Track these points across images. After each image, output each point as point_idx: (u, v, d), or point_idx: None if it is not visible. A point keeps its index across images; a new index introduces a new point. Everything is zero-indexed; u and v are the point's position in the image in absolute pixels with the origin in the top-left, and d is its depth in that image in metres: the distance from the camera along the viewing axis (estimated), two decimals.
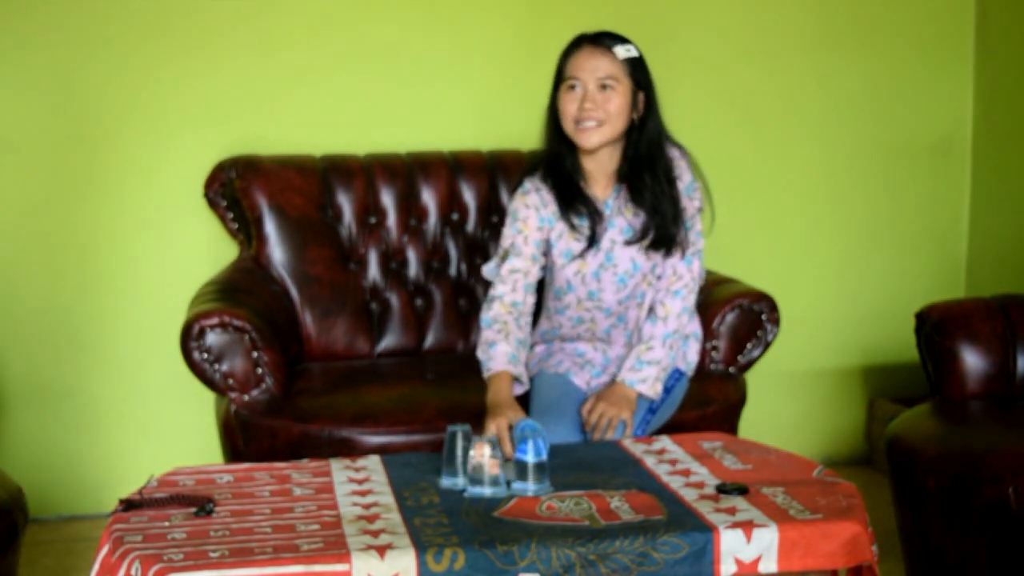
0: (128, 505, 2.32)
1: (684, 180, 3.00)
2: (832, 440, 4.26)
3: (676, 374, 3.08)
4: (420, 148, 3.79)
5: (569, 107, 2.90)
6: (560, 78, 2.93)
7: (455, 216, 3.71)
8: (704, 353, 3.32)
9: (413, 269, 3.68)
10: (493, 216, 3.68)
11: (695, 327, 3.18)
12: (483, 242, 3.70)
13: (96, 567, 2.21)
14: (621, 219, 2.98)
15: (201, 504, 2.31)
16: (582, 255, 2.98)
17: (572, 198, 2.96)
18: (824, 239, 4.23)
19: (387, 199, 3.67)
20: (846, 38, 4.16)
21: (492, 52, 3.92)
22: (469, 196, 3.71)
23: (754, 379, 3.72)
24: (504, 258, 3.00)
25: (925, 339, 3.11)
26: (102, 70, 3.70)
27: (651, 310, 3.01)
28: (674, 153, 3.00)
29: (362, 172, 3.67)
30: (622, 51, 2.90)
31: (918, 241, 4.29)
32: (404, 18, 3.87)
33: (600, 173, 2.98)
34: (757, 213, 4.16)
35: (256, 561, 2.06)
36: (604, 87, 2.88)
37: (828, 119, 4.18)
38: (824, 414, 4.26)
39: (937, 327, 3.06)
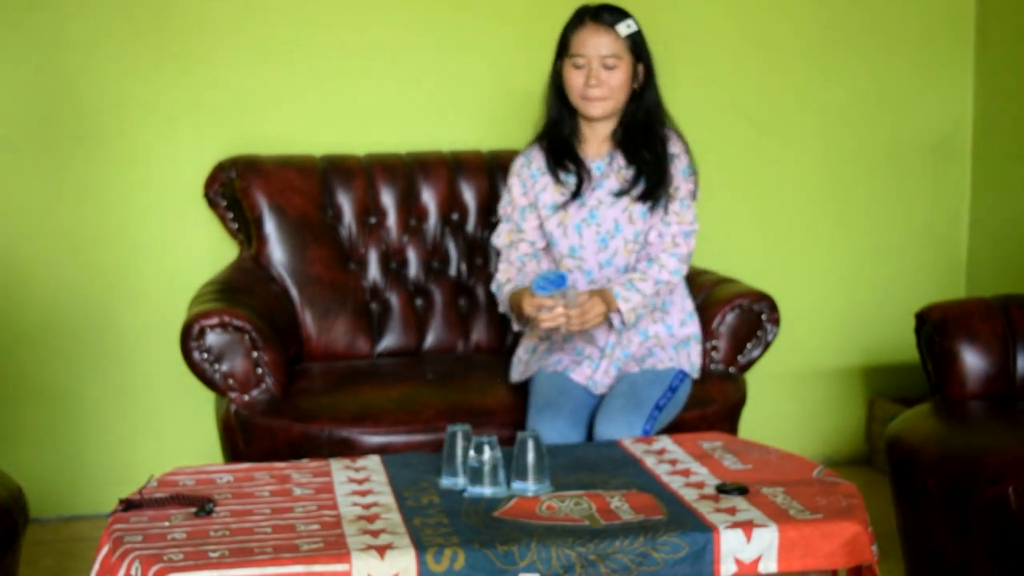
0: (128, 505, 2.33)
1: (683, 161, 3.09)
2: (832, 440, 4.26)
3: (680, 375, 3.08)
4: (420, 148, 3.79)
5: (575, 81, 3.05)
6: (564, 50, 3.07)
7: (455, 216, 3.71)
8: (704, 353, 3.32)
9: (413, 269, 3.68)
10: (493, 216, 3.68)
11: (694, 329, 3.18)
12: (483, 242, 3.70)
13: (96, 567, 2.21)
14: (611, 182, 3.08)
15: (201, 504, 2.31)
16: (565, 206, 3.08)
17: (563, 156, 3.10)
18: (824, 239, 4.23)
19: (387, 199, 3.67)
20: (846, 38, 4.16)
21: (492, 52, 3.92)
22: (469, 196, 3.71)
23: (754, 379, 3.72)
24: (496, 225, 3.22)
25: (925, 339, 3.11)
26: (102, 70, 3.70)
27: (646, 257, 3.06)
28: (672, 134, 3.12)
29: (362, 172, 3.67)
30: (623, 28, 3.03)
31: (918, 241, 4.29)
32: (404, 18, 3.87)
33: (595, 137, 3.12)
34: (757, 213, 4.16)
35: (256, 561, 2.06)
36: (607, 65, 3.02)
37: (828, 119, 4.18)
38: (824, 414, 4.26)
39: (937, 327, 3.06)
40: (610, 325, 3.04)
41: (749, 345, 3.34)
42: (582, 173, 3.09)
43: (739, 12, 4.09)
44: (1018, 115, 4.08)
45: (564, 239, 3.10)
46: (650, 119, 3.09)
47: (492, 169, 3.72)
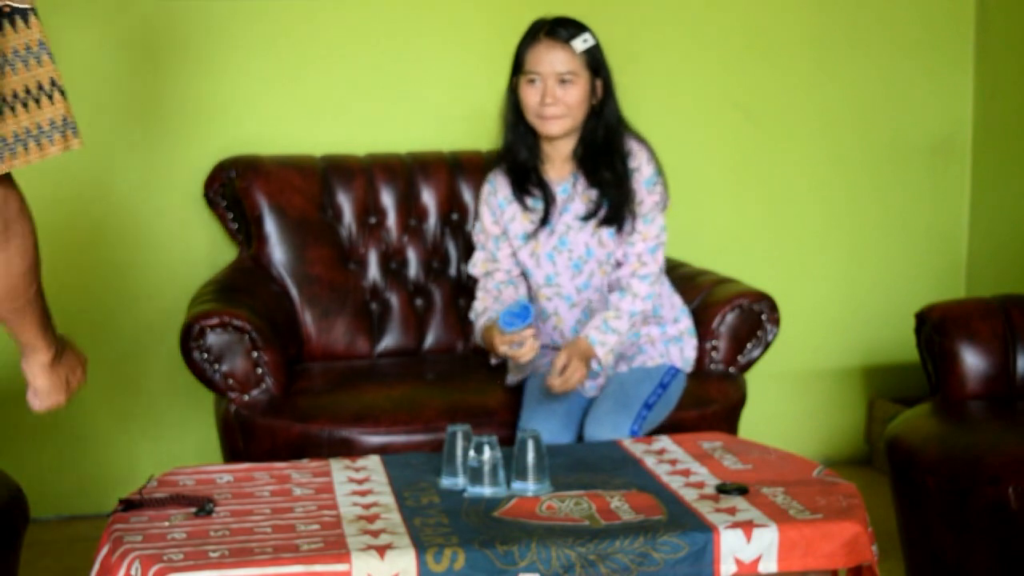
0: (128, 505, 2.33)
1: (644, 173, 2.99)
2: (832, 440, 4.26)
3: (672, 370, 3.07)
4: (420, 148, 3.80)
5: (531, 100, 2.97)
6: (519, 67, 2.99)
7: (455, 216, 3.71)
8: (704, 353, 3.32)
9: (413, 269, 3.68)
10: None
11: (688, 324, 3.17)
12: None
13: (96, 567, 2.21)
14: (577, 205, 3.02)
15: (201, 504, 2.31)
16: (535, 235, 3.04)
17: (526, 181, 3.04)
18: (824, 239, 4.23)
19: (387, 199, 3.67)
20: (846, 38, 4.16)
21: (492, 53, 3.91)
22: (469, 196, 3.71)
23: (754, 379, 3.72)
24: (473, 252, 3.15)
25: (925, 339, 3.11)
26: (101, 70, 3.70)
27: (618, 286, 3.00)
28: (633, 145, 3.02)
29: (362, 172, 3.67)
30: (579, 43, 2.94)
31: (918, 241, 4.29)
32: (405, 19, 3.88)
33: (557, 156, 3.05)
34: (757, 213, 4.16)
35: (256, 561, 2.06)
36: (563, 81, 2.94)
37: (828, 119, 4.18)
38: (824, 414, 4.26)
39: (937, 327, 3.05)
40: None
41: (749, 345, 3.34)
42: (548, 197, 3.02)
43: (739, 12, 4.08)
44: (1018, 115, 4.08)
45: (538, 269, 3.06)
46: (610, 135, 3.00)
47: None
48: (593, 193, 3.00)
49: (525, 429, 2.46)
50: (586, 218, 3.00)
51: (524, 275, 3.12)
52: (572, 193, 3.03)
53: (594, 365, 2.96)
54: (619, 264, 3.02)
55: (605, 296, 3.05)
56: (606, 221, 2.99)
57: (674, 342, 3.13)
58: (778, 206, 4.18)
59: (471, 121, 3.91)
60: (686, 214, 3.96)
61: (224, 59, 3.77)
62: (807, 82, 4.16)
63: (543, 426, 2.86)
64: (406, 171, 3.70)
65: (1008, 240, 4.12)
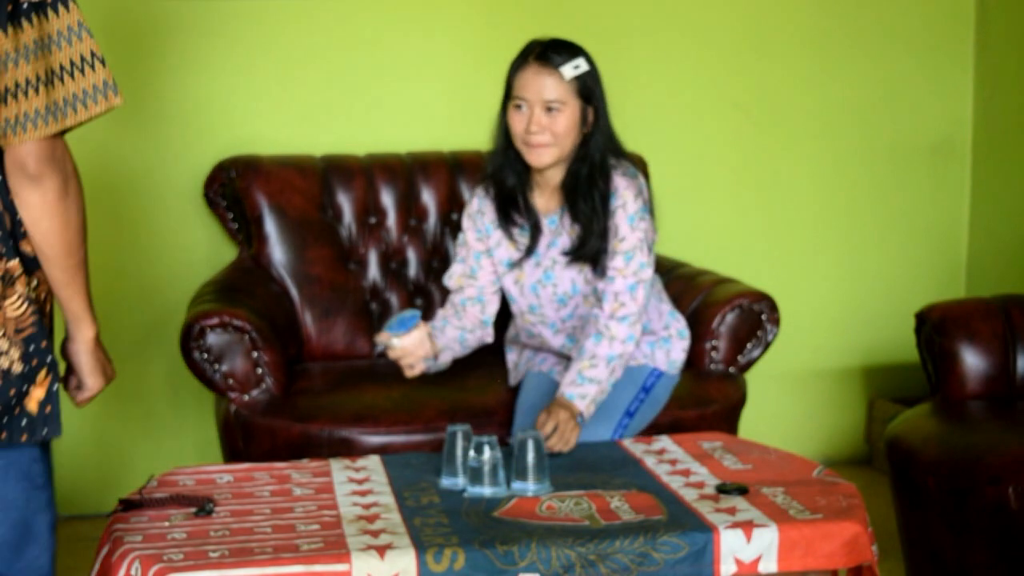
0: (128, 505, 2.33)
1: (629, 209, 2.84)
2: (832, 440, 4.26)
3: (655, 373, 3.03)
4: (420, 148, 3.79)
5: (517, 126, 2.83)
6: (508, 92, 2.85)
7: (455, 216, 3.71)
8: (704, 353, 3.32)
9: (413, 269, 3.68)
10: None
11: (678, 326, 3.11)
12: None
13: (96, 567, 2.22)
14: (565, 239, 2.91)
15: (201, 504, 2.31)
16: (520, 264, 2.95)
17: (513, 208, 2.93)
18: (824, 239, 4.23)
19: (387, 199, 3.67)
20: (846, 39, 4.16)
21: (492, 53, 3.91)
22: (469, 196, 3.70)
23: (754, 379, 3.72)
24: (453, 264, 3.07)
25: (925, 339, 3.11)
26: None
27: (595, 328, 2.86)
28: (619, 182, 2.85)
29: (362, 172, 3.67)
30: (569, 70, 2.79)
31: (918, 241, 4.29)
32: (405, 19, 3.87)
33: (546, 185, 2.92)
34: (757, 213, 4.16)
35: (256, 561, 2.06)
36: (550, 109, 2.79)
37: (828, 120, 4.18)
38: (824, 414, 4.26)
39: (937, 327, 3.06)
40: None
41: (749, 345, 3.34)
42: (535, 227, 2.91)
43: (739, 12, 4.08)
44: (1018, 115, 4.08)
45: (522, 297, 2.98)
46: (593, 171, 2.84)
47: None
48: (576, 228, 2.88)
49: (524, 431, 2.46)
50: (566, 254, 2.89)
51: (506, 298, 3.04)
52: (559, 227, 2.91)
53: (578, 419, 2.78)
54: (596, 304, 2.89)
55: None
56: (583, 259, 2.88)
57: (660, 344, 3.05)
58: (778, 206, 4.18)
59: (471, 121, 3.90)
60: (686, 214, 3.97)
61: (224, 59, 3.77)
62: (807, 82, 4.16)
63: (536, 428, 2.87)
64: (406, 171, 3.70)
65: (1008, 240, 4.12)
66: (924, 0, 4.20)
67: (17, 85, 1.72)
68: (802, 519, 2.24)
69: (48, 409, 1.82)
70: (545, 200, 2.93)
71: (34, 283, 1.85)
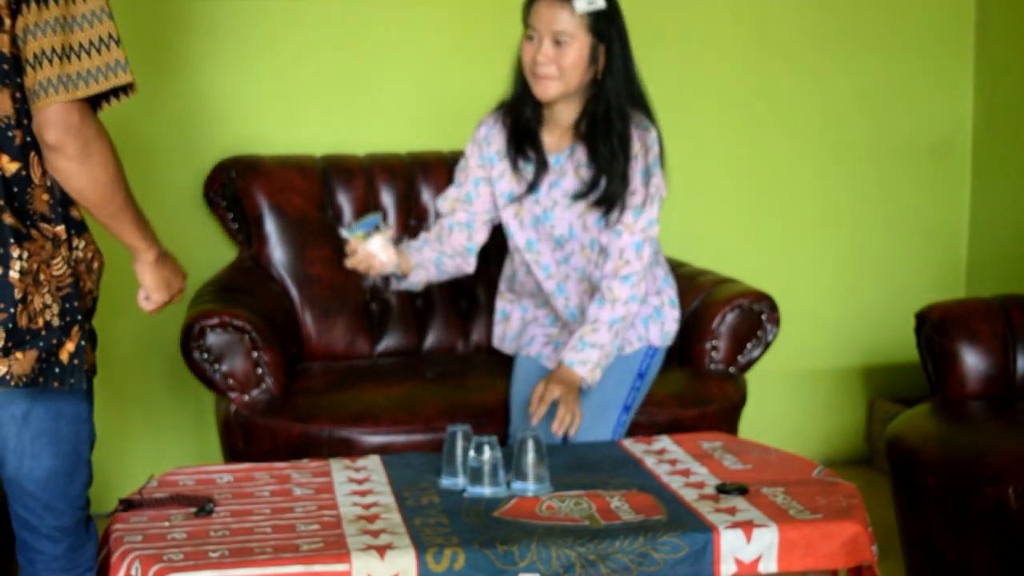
0: (128, 505, 2.33)
1: (641, 163, 2.85)
2: (832, 440, 4.26)
3: (649, 353, 3.01)
4: (420, 148, 3.79)
5: (526, 56, 2.85)
6: (524, 22, 2.88)
7: None
8: (704, 353, 3.32)
9: None
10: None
11: (670, 293, 3.08)
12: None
13: (96, 567, 2.22)
14: (569, 180, 2.90)
15: (201, 504, 2.31)
16: (520, 199, 2.94)
17: (522, 141, 2.93)
18: (824, 239, 4.23)
19: (387, 199, 3.67)
20: (846, 38, 4.16)
21: (492, 53, 3.91)
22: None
23: (754, 379, 3.72)
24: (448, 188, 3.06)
25: (925, 339, 3.11)
26: None
27: (598, 291, 2.87)
28: (633, 132, 2.86)
29: (362, 172, 3.67)
30: (582, 4, 2.77)
31: (918, 241, 4.29)
32: (405, 19, 3.87)
33: (555, 124, 2.92)
34: (757, 213, 4.16)
35: (256, 561, 2.06)
36: (558, 42, 2.79)
37: (829, 119, 4.18)
38: (824, 414, 4.26)
39: (937, 327, 3.06)
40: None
41: (749, 345, 3.34)
42: (540, 164, 2.90)
43: (739, 11, 4.08)
44: (1018, 115, 4.08)
45: (520, 232, 2.95)
46: (610, 112, 2.82)
47: None
48: (588, 172, 2.87)
49: (523, 430, 2.46)
50: (576, 196, 2.87)
51: (490, 221, 3.01)
52: (566, 166, 2.90)
53: (583, 385, 2.81)
54: (601, 262, 2.88)
55: (588, 279, 2.94)
56: (596, 204, 2.85)
57: (654, 317, 3.02)
58: (778, 206, 4.18)
59: (472, 121, 3.89)
60: (686, 214, 3.96)
61: (224, 59, 3.77)
62: (807, 82, 4.15)
63: (533, 426, 2.88)
64: (406, 171, 3.70)
65: (1008, 240, 4.12)
66: (924, 0, 4.20)
67: (35, 56, 1.88)
68: (802, 519, 2.24)
69: (76, 361, 2.02)
70: (555, 139, 2.93)
71: (81, 244, 2.07)
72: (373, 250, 2.76)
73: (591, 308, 2.85)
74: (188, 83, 3.75)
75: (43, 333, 1.97)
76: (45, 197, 1.99)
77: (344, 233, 2.76)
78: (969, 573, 2.69)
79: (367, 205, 3.65)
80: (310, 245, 3.58)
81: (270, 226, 3.57)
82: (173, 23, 3.73)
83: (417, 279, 2.95)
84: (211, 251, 3.78)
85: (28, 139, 1.97)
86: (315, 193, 3.62)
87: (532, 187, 2.92)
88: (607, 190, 2.84)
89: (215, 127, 3.77)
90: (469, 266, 3.04)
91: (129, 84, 2.01)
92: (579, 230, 2.91)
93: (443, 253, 2.98)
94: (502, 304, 3.19)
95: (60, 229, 2.01)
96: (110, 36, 1.95)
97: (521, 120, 2.92)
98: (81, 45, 1.91)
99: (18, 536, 2.16)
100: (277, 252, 3.57)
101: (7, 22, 1.90)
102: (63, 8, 1.90)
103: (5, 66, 1.92)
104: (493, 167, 2.97)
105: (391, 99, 3.88)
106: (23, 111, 1.95)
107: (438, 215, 3.09)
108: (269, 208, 3.57)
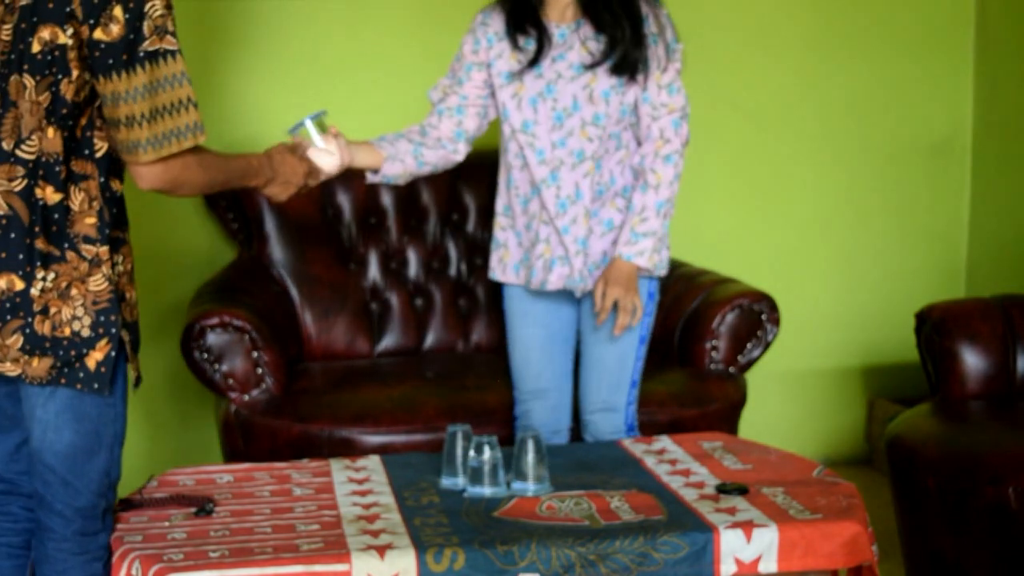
0: (128, 505, 2.33)
1: (667, 37, 2.86)
2: (832, 440, 4.25)
3: (651, 294, 2.96)
4: None
5: None
6: None
7: (455, 216, 3.71)
8: (704, 353, 3.32)
9: (413, 269, 3.68)
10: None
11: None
12: (483, 242, 3.69)
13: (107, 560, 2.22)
14: (575, 53, 2.86)
15: (201, 504, 2.31)
16: (520, 76, 2.89)
17: (523, 18, 2.89)
18: (824, 239, 4.22)
19: (387, 199, 3.67)
20: (845, 38, 4.16)
21: None
22: (469, 196, 3.71)
23: (754, 379, 3.72)
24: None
25: (925, 339, 3.11)
26: None
27: (640, 177, 2.87)
28: (645, 9, 2.85)
29: (362, 172, 3.66)
30: None
31: (918, 241, 4.29)
32: (405, 19, 3.87)
33: (556, 1, 2.88)
34: (757, 213, 4.16)
35: (256, 561, 2.06)
36: None
37: (828, 119, 4.18)
38: (824, 414, 4.26)
39: (937, 327, 3.05)
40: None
41: (749, 345, 3.34)
42: (543, 39, 2.85)
43: (739, 11, 4.08)
44: (1018, 115, 4.08)
45: (517, 112, 2.88)
46: None
47: (492, 169, 3.71)
48: (597, 44, 2.83)
49: (526, 428, 2.46)
50: (590, 67, 2.83)
51: (485, 111, 2.97)
52: (571, 40, 2.85)
53: (645, 268, 2.83)
54: (639, 147, 2.87)
55: (581, 165, 2.87)
56: (616, 71, 2.82)
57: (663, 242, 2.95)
58: (778, 206, 4.18)
59: None
60: (686, 214, 3.95)
61: (224, 59, 3.77)
62: (807, 82, 4.15)
63: (539, 414, 2.91)
64: None
65: (1008, 240, 4.11)
66: (924, 1, 4.20)
67: (127, 118, 2.07)
68: (802, 519, 2.24)
69: (103, 370, 2.15)
70: (559, 12, 2.89)
71: (120, 259, 2.20)
72: (316, 149, 2.67)
73: (635, 196, 2.87)
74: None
75: (65, 343, 2.10)
76: (91, 221, 2.13)
77: (298, 129, 2.70)
78: (969, 573, 2.69)
79: (367, 205, 3.65)
80: (310, 245, 3.58)
81: (270, 226, 3.57)
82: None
83: (393, 171, 2.92)
84: (211, 251, 3.78)
85: (72, 171, 2.13)
86: (315, 193, 3.61)
87: (534, 61, 2.87)
88: (629, 56, 2.82)
89: (215, 127, 3.76)
90: (459, 155, 3.00)
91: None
92: (583, 102, 2.86)
93: (423, 144, 2.96)
94: (497, 232, 3.08)
95: (103, 250, 2.14)
96: (189, 99, 2.11)
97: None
98: (165, 107, 2.09)
99: (36, 520, 2.21)
100: (277, 252, 3.57)
101: (75, 72, 2.07)
102: (150, 74, 2.08)
103: (64, 111, 2.08)
104: (491, 48, 2.92)
105: (391, 99, 3.88)
106: (71, 149, 2.11)
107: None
108: (269, 208, 3.57)
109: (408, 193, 3.68)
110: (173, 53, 2.12)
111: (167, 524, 2.24)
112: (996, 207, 4.19)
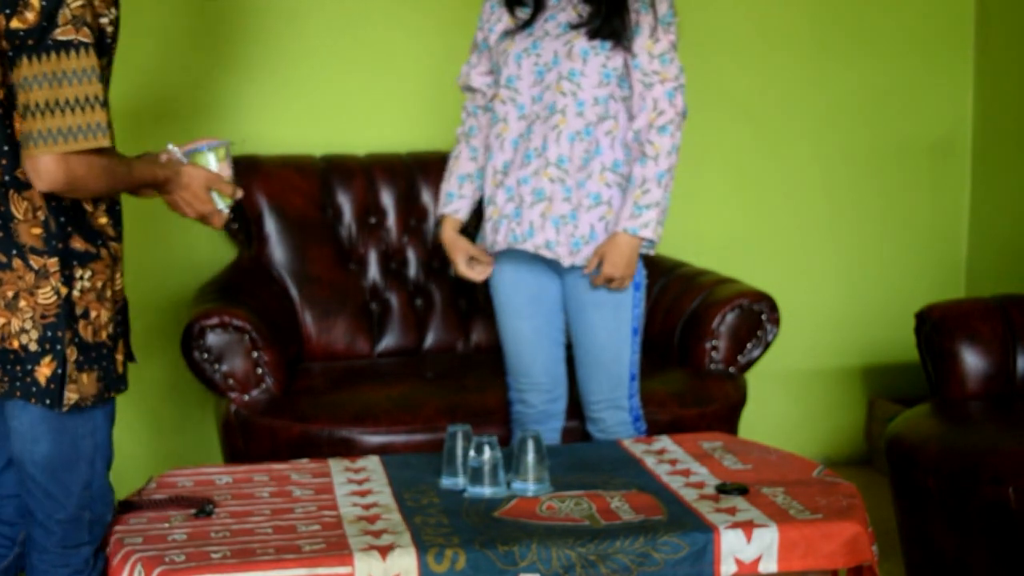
0: (127, 507, 2.33)
1: (660, 9, 2.87)
2: (832, 440, 4.26)
3: (635, 291, 2.96)
4: (420, 148, 3.79)
5: None
6: None
7: None
8: (704, 353, 3.32)
9: (413, 269, 3.68)
10: None
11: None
12: None
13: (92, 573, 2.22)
14: (565, 14, 2.90)
15: (200, 505, 2.31)
16: (512, 35, 2.93)
17: None
18: (824, 239, 4.23)
19: (387, 199, 3.67)
20: (846, 38, 4.16)
21: None
22: None
23: (754, 379, 3.72)
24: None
25: (925, 339, 3.11)
26: None
27: (638, 149, 2.87)
28: None
29: (362, 172, 3.67)
30: None
31: (918, 241, 4.29)
32: (404, 19, 3.87)
33: None
34: (757, 213, 4.16)
35: (260, 563, 2.06)
36: None
37: (829, 119, 4.18)
38: (824, 414, 4.26)
39: (937, 327, 3.06)
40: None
41: (749, 345, 3.34)
42: (539, 4, 2.92)
43: (738, 11, 4.09)
44: (1018, 115, 4.08)
45: (505, 68, 2.93)
46: None
47: None
48: (586, 8, 2.87)
49: (526, 428, 2.46)
50: (575, 27, 2.86)
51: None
52: (564, 2, 2.91)
53: (650, 238, 2.85)
54: (633, 122, 2.88)
55: (551, 118, 2.87)
56: (597, 33, 2.85)
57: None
58: (778, 206, 4.18)
59: None
60: (686, 214, 3.96)
61: (225, 59, 3.77)
62: (807, 82, 4.15)
63: (533, 398, 2.95)
64: (406, 171, 3.70)
65: (1008, 240, 4.12)
66: (924, 1, 4.20)
67: (25, 107, 1.96)
68: (802, 519, 2.24)
69: (52, 386, 2.09)
70: None
71: (85, 274, 2.12)
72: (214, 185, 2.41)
73: (635, 169, 2.87)
74: (188, 84, 3.75)
75: (12, 356, 2.07)
76: (36, 231, 2.07)
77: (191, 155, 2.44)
78: (969, 573, 2.69)
79: (367, 205, 3.65)
80: (310, 245, 3.58)
81: (270, 226, 3.57)
82: (173, 24, 3.73)
83: (470, 206, 3.05)
84: (211, 251, 3.78)
85: (6, 178, 2.05)
86: (315, 193, 3.62)
87: (528, 23, 2.92)
88: (604, 21, 2.85)
89: (215, 127, 3.77)
90: None
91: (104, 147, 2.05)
92: (563, 57, 2.88)
93: (480, 164, 3.04)
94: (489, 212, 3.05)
95: (52, 262, 2.07)
96: (96, 97, 2.00)
97: None
98: (68, 101, 1.98)
99: (26, 530, 2.21)
100: (277, 252, 3.57)
101: None
102: (56, 64, 1.97)
103: None
104: (492, 15, 2.99)
105: (391, 99, 3.88)
106: (12, 155, 2.04)
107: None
108: (269, 208, 3.57)
109: (408, 193, 3.68)
110: (87, 46, 2.01)
111: (167, 526, 2.24)
112: (996, 207, 4.19)
